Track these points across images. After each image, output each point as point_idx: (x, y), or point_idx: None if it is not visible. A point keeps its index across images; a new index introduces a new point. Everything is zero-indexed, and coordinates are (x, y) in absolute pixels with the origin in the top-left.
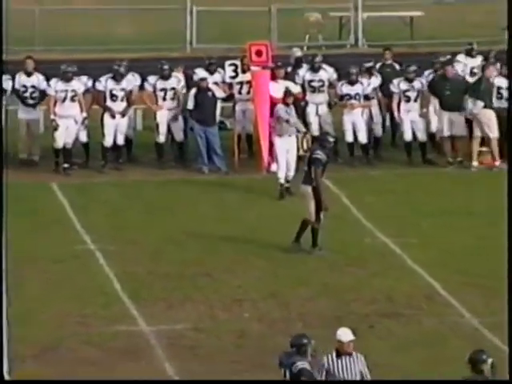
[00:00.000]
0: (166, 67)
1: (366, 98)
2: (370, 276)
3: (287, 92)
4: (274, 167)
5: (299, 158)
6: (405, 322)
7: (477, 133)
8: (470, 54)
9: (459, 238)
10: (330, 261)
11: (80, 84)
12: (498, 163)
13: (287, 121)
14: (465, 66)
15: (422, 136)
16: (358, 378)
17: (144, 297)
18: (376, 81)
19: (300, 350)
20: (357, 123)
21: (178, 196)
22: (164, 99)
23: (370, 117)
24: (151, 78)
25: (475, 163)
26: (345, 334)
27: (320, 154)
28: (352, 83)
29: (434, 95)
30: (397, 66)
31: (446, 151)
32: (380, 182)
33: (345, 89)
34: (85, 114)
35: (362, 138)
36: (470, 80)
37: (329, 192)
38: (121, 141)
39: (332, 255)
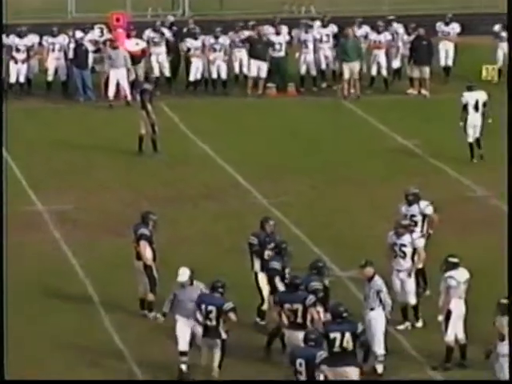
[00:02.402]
0: (54, 29)
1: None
2: (193, 172)
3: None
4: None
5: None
6: (217, 202)
7: (346, 76)
8: (322, 22)
9: (254, 144)
10: (166, 161)
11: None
12: (352, 91)
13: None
14: (318, 33)
15: (224, 76)
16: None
17: (40, 186)
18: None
19: (144, 221)
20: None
21: (62, 117)
22: (52, 51)
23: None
24: (45, 37)
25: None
26: (183, 274)
27: (148, 86)
28: (196, 39)
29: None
30: (197, 29)
31: (249, 87)
32: (204, 107)
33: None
34: None
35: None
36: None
37: (165, 115)
38: (22, 79)
39: (167, 157)
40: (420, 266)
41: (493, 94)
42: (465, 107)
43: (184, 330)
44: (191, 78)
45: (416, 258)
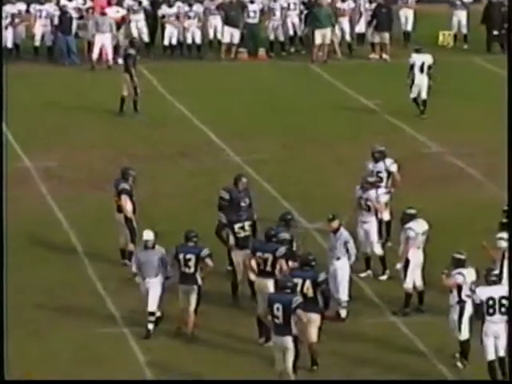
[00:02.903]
0: None
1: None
2: (171, 131)
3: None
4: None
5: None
6: (193, 159)
7: (318, 41)
8: None
9: (227, 105)
10: (146, 121)
11: None
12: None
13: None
14: (285, 1)
15: (199, 41)
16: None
17: (29, 146)
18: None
19: (124, 176)
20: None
21: (49, 80)
22: (40, 17)
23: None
24: (33, 5)
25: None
26: (147, 235)
27: (132, 51)
28: (171, 7)
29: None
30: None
31: (222, 52)
32: (180, 70)
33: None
34: None
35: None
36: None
37: (144, 77)
38: (9, 45)
39: (147, 117)
40: (386, 218)
41: (448, 58)
42: (411, 67)
43: (147, 292)
44: (165, 43)
45: (378, 211)
